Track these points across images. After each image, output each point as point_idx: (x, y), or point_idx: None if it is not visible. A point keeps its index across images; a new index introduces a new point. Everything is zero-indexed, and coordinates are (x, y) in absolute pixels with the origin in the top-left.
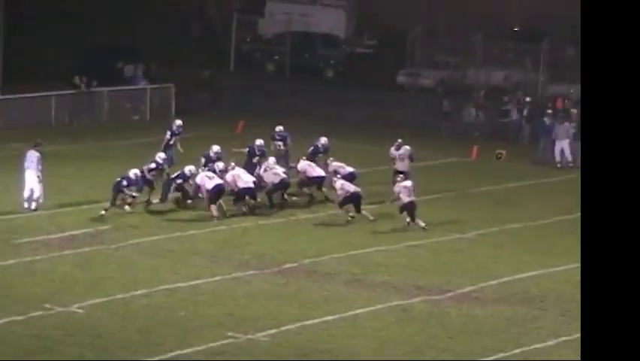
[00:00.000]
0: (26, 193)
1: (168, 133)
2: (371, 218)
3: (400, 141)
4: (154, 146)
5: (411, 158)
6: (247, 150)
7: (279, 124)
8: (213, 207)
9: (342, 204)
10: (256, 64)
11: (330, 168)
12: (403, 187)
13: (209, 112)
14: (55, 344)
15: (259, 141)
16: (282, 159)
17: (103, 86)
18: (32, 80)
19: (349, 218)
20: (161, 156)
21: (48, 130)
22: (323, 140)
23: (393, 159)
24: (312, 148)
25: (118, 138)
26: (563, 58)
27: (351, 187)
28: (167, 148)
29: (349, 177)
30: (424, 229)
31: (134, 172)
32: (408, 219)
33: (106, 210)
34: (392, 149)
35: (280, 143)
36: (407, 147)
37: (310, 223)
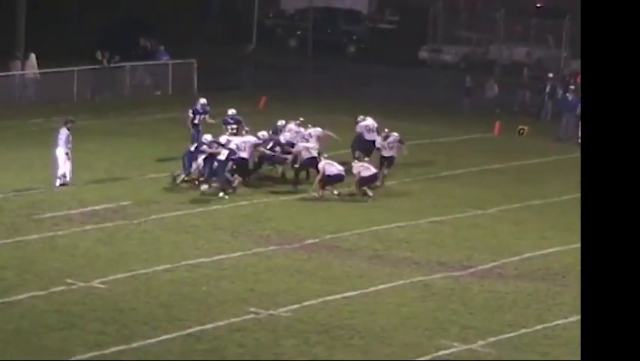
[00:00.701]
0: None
1: (190, 112)
2: (335, 193)
3: (386, 130)
4: (176, 121)
5: (402, 142)
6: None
7: (233, 108)
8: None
9: (322, 186)
10: (278, 39)
11: (358, 129)
12: (360, 166)
13: (239, 87)
14: (77, 320)
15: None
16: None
17: (125, 61)
18: (54, 56)
19: (336, 194)
20: (207, 138)
21: (70, 105)
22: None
23: (380, 149)
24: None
25: (140, 114)
26: None
27: (334, 169)
28: (193, 127)
29: (367, 146)
30: (370, 197)
31: (224, 153)
32: (371, 192)
33: (225, 193)
34: (379, 139)
35: (234, 126)
36: (395, 134)
37: (331, 199)
